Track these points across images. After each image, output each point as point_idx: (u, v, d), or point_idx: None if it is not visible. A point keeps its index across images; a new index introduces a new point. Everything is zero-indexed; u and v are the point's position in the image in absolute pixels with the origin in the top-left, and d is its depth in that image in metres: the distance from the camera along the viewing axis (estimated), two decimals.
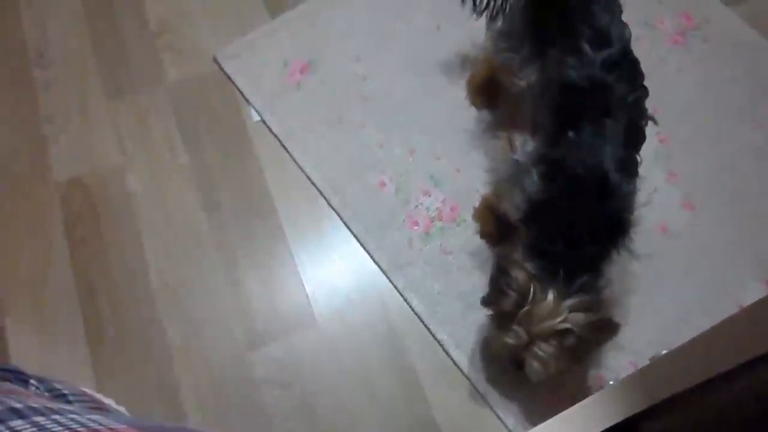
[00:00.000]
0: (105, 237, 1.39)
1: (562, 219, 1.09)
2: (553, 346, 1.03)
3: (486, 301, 1.12)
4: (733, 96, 1.53)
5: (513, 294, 1.05)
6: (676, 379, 0.68)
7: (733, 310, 1.29)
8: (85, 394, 0.84)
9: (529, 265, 1.08)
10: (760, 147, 1.48)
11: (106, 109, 1.53)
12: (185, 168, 1.46)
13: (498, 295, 1.08)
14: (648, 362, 1.07)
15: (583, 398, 1.15)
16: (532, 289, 1.03)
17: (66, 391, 0.78)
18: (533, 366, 1.06)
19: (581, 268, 1.07)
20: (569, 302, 1.04)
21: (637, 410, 0.73)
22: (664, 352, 1.06)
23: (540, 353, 1.04)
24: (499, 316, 1.10)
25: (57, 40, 1.60)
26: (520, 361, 1.09)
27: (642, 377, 0.79)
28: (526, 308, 1.03)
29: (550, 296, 1.03)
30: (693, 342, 0.68)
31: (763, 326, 0.59)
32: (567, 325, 1.02)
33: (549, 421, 0.85)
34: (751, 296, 1.32)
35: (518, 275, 1.05)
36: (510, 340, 1.06)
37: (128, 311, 1.32)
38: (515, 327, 1.05)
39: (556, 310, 1.03)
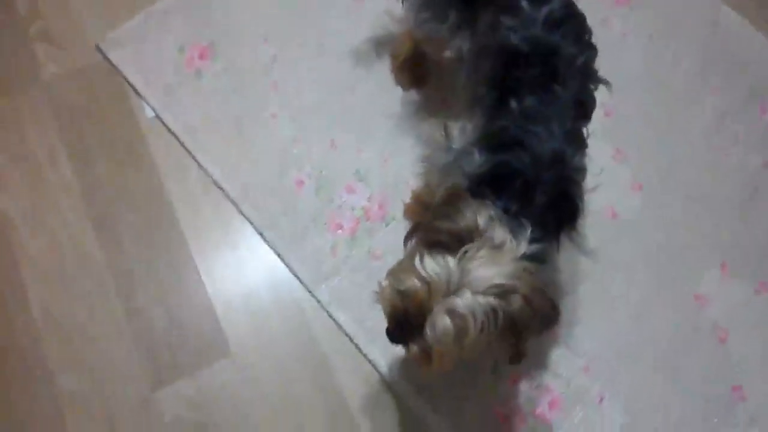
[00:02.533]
0: None
1: (511, 183, 0.91)
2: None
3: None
4: (682, 64, 1.41)
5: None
6: None
7: (689, 300, 1.21)
8: None
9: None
10: (710, 120, 1.37)
11: None
12: (69, 179, 1.30)
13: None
14: None
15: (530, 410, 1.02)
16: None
17: None
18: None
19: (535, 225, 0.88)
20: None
21: None
22: None
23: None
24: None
25: None
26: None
27: None
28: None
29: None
30: None
31: None
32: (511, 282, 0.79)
33: None
34: (707, 284, 1.22)
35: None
36: None
37: (7, 356, 1.17)
38: None
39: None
